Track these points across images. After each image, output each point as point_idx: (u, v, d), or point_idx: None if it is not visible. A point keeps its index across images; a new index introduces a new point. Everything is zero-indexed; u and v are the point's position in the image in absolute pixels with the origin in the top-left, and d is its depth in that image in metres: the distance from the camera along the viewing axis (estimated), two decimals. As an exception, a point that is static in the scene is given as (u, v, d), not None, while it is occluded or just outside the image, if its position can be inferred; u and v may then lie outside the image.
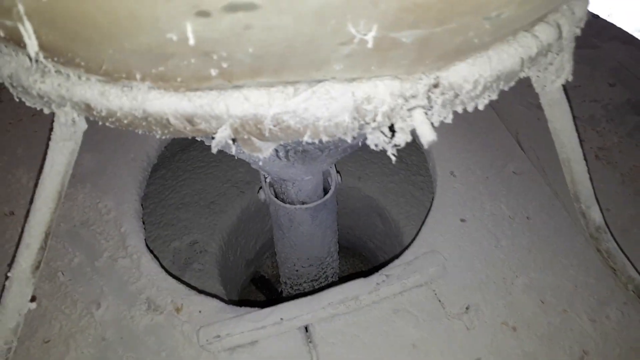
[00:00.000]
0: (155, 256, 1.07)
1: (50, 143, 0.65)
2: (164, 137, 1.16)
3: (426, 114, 0.51)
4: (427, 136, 0.48)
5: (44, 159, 0.73)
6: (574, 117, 1.26)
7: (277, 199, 1.18)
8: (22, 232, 0.81)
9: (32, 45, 0.40)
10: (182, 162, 1.75)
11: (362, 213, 1.88)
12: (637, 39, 1.49)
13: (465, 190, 1.15)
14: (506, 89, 0.56)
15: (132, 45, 0.39)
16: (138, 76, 0.45)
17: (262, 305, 0.96)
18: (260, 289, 2.10)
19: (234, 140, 0.53)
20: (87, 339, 0.91)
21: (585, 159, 0.85)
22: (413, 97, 0.49)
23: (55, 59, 0.46)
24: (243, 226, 1.80)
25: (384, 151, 0.53)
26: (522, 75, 0.56)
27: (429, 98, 0.50)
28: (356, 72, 0.46)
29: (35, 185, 0.76)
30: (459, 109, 0.55)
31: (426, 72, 0.48)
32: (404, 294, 0.96)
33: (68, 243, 1.06)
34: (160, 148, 1.33)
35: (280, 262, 1.50)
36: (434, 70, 0.49)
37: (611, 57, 1.46)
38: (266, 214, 1.82)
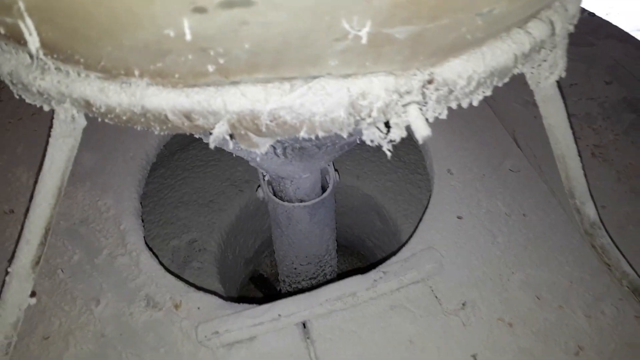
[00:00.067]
0: (154, 254, 1.07)
1: (50, 140, 0.66)
2: (162, 134, 1.16)
3: (421, 109, 0.51)
4: (422, 131, 0.49)
5: (43, 156, 0.74)
6: (570, 115, 1.27)
7: (276, 197, 1.18)
8: (22, 229, 0.82)
9: (33, 41, 0.40)
10: (181, 161, 1.76)
11: (361, 211, 1.89)
12: (633, 37, 1.50)
13: (462, 187, 1.15)
14: (500, 85, 0.57)
15: (131, 42, 0.39)
16: (136, 72, 0.46)
17: (260, 301, 0.97)
18: (259, 287, 2.11)
19: (231, 136, 0.54)
20: (87, 336, 0.92)
21: (580, 155, 0.86)
22: (408, 93, 0.50)
23: (55, 56, 0.46)
24: (242, 225, 1.80)
25: (381, 150, 0.54)
26: (516, 71, 0.57)
27: (423, 94, 0.51)
28: (351, 68, 0.47)
29: (35, 183, 0.76)
30: (454, 105, 0.55)
31: (420, 68, 0.49)
32: (401, 290, 0.97)
33: (68, 240, 1.07)
34: (159, 147, 1.33)
35: (279, 260, 1.50)
36: (428, 67, 0.50)
37: (607, 55, 1.47)
38: (265, 213, 1.83)
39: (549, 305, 0.95)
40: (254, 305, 0.95)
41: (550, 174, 1.12)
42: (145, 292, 0.98)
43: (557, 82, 0.76)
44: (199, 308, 0.96)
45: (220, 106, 0.47)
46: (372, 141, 0.55)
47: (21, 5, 0.37)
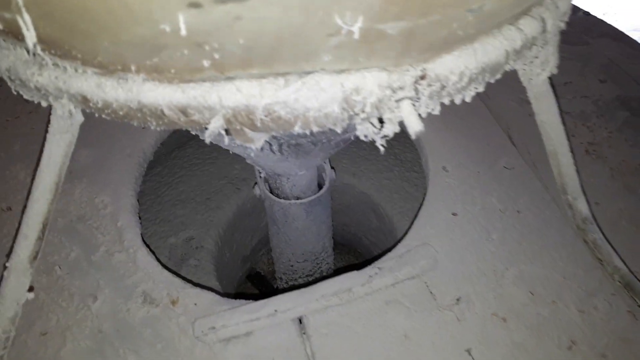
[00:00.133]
0: (151, 251, 1.08)
1: (48, 135, 0.66)
2: (159, 130, 1.16)
3: (413, 105, 0.52)
4: (415, 127, 0.50)
5: (41, 153, 0.74)
6: (565, 113, 1.28)
7: (272, 194, 1.19)
8: (19, 224, 0.82)
9: (30, 36, 0.41)
10: (178, 159, 1.76)
11: (357, 209, 1.90)
12: (627, 36, 1.52)
13: (457, 184, 1.16)
14: (492, 81, 0.58)
15: (127, 37, 0.40)
16: (133, 68, 0.46)
17: (257, 298, 0.97)
18: (256, 285, 2.11)
19: (227, 131, 0.54)
20: (84, 331, 0.93)
21: (572, 152, 0.87)
22: (400, 88, 0.50)
23: (53, 51, 0.47)
24: (239, 222, 1.81)
25: (378, 148, 0.55)
26: (508, 67, 0.58)
27: (416, 89, 0.51)
28: (345, 64, 0.47)
29: (33, 180, 0.77)
30: (446, 101, 0.56)
31: (413, 64, 0.50)
32: (396, 286, 0.97)
33: (65, 237, 1.07)
34: (157, 144, 1.34)
35: (276, 258, 1.51)
36: (421, 62, 0.50)
37: (602, 54, 1.48)
38: (262, 211, 1.84)
39: (542, 301, 0.96)
40: (251, 301, 0.96)
41: (545, 171, 1.13)
42: (142, 288, 0.99)
43: (550, 79, 0.77)
44: (195, 304, 0.96)
45: (216, 101, 0.48)
46: (365, 136, 0.56)
47: (19, 0, 0.37)
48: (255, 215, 1.90)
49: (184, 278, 1.02)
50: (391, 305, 0.95)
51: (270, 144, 0.80)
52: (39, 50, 0.46)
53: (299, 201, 1.17)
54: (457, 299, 0.96)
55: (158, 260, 1.05)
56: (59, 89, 0.52)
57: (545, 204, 1.12)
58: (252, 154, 0.82)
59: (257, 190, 1.25)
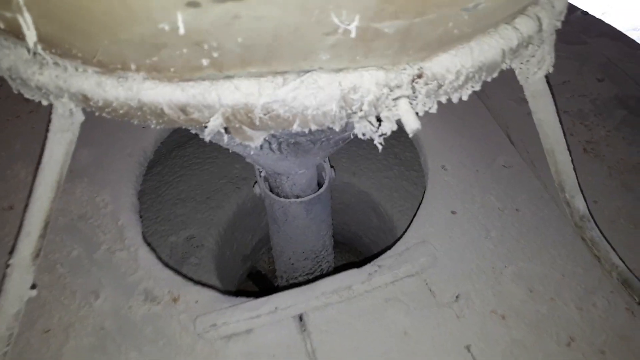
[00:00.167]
0: (152, 249, 1.09)
1: (49, 134, 0.67)
2: (159, 130, 1.17)
3: (411, 103, 0.53)
4: (412, 125, 0.50)
5: (42, 152, 0.75)
6: (563, 112, 1.29)
7: (272, 193, 1.20)
8: (21, 225, 0.83)
9: (31, 36, 0.42)
10: (179, 159, 1.77)
11: (357, 208, 1.90)
12: (625, 35, 1.52)
13: (456, 183, 1.17)
14: (489, 80, 0.58)
15: (127, 36, 0.41)
16: (133, 67, 0.47)
17: (258, 295, 0.98)
18: (256, 284, 2.12)
19: (226, 129, 0.55)
20: (86, 329, 0.93)
21: (569, 150, 0.87)
22: (398, 87, 0.51)
23: (53, 50, 0.47)
24: (239, 221, 1.82)
25: (377, 147, 0.56)
26: (504, 66, 0.58)
27: (413, 88, 0.52)
28: (342, 63, 0.48)
29: (34, 179, 0.78)
30: (443, 99, 0.57)
31: (410, 62, 0.51)
32: (396, 283, 0.98)
33: (66, 236, 1.08)
34: (157, 144, 1.35)
35: (276, 256, 1.52)
36: (418, 61, 0.51)
37: (600, 53, 1.48)
38: (262, 210, 1.84)
39: (541, 298, 0.97)
40: (251, 298, 0.97)
41: (543, 169, 1.13)
42: (143, 286, 1.00)
43: (547, 78, 0.77)
44: (197, 301, 0.97)
45: (215, 100, 0.48)
46: (363, 134, 0.57)
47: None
48: (255, 215, 1.91)
49: (185, 276, 1.03)
50: (391, 303, 0.96)
51: (270, 143, 0.81)
52: (39, 49, 0.47)
53: (299, 200, 1.18)
54: (456, 297, 0.96)
55: (159, 258, 1.06)
56: (59, 87, 0.52)
57: (544, 203, 1.12)
58: (252, 153, 0.82)
59: (257, 189, 1.26)
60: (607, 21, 1.62)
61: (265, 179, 1.21)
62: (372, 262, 1.01)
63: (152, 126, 0.54)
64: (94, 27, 0.39)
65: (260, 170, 1.19)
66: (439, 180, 1.18)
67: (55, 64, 0.50)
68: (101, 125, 1.31)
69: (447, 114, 1.33)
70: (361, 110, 0.51)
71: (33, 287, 0.84)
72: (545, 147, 0.87)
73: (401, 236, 1.07)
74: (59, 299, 0.98)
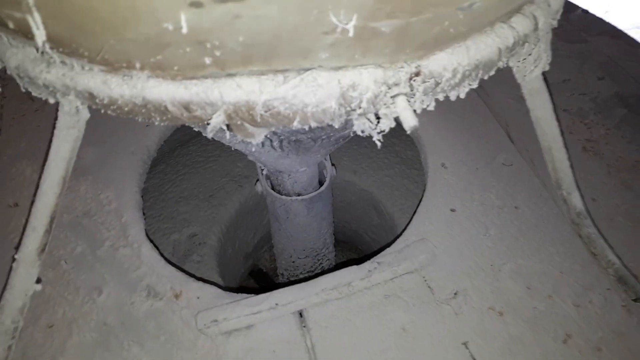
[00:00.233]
0: (155, 246, 1.10)
1: (55, 131, 0.68)
2: (162, 129, 1.19)
3: (409, 101, 0.54)
4: (410, 122, 0.51)
5: (48, 150, 0.76)
6: (563, 110, 1.30)
7: (274, 190, 1.21)
8: (26, 221, 0.84)
9: (40, 35, 0.43)
10: (182, 157, 1.78)
11: (358, 206, 1.91)
12: (625, 33, 1.53)
13: (456, 181, 1.18)
14: (486, 77, 0.59)
15: (132, 35, 0.42)
16: (138, 65, 0.48)
17: (258, 292, 0.99)
18: (258, 281, 2.13)
19: (228, 126, 0.56)
20: (89, 324, 0.95)
21: (566, 147, 0.88)
22: (396, 84, 0.52)
23: (61, 49, 0.49)
24: (241, 219, 1.83)
25: (379, 145, 0.57)
26: (501, 64, 0.59)
27: (411, 86, 0.53)
28: (341, 61, 0.49)
29: (39, 176, 0.79)
30: (441, 97, 0.58)
31: (407, 61, 0.52)
32: (395, 280, 0.99)
33: (70, 232, 1.10)
34: (160, 142, 1.36)
35: (278, 254, 1.53)
36: (415, 60, 0.52)
37: (600, 52, 1.49)
38: (264, 208, 1.86)
39: (539, 295, 0.97)
40: (252, 295, 0.98)
41: (543, 168, 1.14)
42: (146, 282, 1.01)
43: (545, 76, 0.78)
44: (198, 297, 0.98)
45: (217, 97, 0.50)
46: (362, 132, 0.58)
47: (30, 0, 0.39)
48: (257, 213, 1.92)
49: (187, 272, 1.04)
50: (390, 299, 0.97)
51: (271, 140, 0.82)
52: (47, 48, 0.48)
53: (300, 197, 1.19)
54: (455, 293, 0.97)
55: (162, 254, 1.07)
56: (66, 85, 0.54)
57: (543, 201, 1.13)
58: (254, 150, 0.83)
59: (259, 187, 1.27)
60: (609, 19, 1.62)
61: (267, 177, 1.22)
62: (371, 259, 1.02)
63: (156, 123, 0.55)
64: (100, 26, 0.40)
65: (262, 168, 1.21)
66: (439, 178, 1.19)
67: (63, 62, 0.52)
68: (105, 124, 1.33)
69: (448, 113, 1.34)
70: (360, 107, 0.52)
71: (38, 281, 0.86)
72: (542, 144, 0.88)
73: (401, 233, 1.08)
74: (63, 295, 0.99)
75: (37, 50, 0.53)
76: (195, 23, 0.38)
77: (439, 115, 1.33)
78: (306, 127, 0.55)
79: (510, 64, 0.66)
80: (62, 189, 0.73)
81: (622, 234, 1.06)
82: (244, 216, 1.84)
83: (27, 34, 0.45)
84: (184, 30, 0.38)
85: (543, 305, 0.96)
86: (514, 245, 1.05)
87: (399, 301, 0.96)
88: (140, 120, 0.56)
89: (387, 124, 0.54)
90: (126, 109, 0.53)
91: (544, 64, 0.64)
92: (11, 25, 0.44)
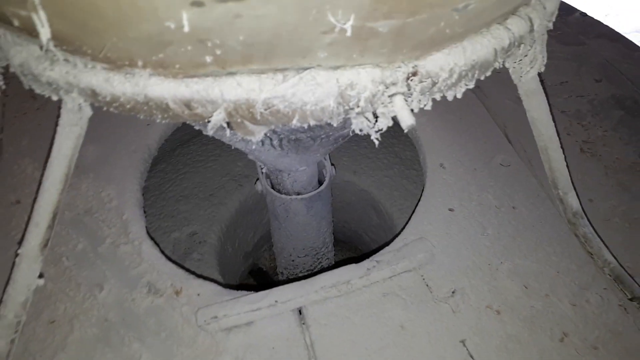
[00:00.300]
0: (155, 243, 1.11)
1: (58, 128, 0.69)
2: (164, 122, 1.20)
3: (406, 100, 0.55)
4: (407, 121, 0.52)
5: (49, 148, 0.77)
6: (561, 112, 1.30)
7: (274, 189, 1.22)
8: (28, 218, 0.85)
9: (44, 33, 0.44)
10: (182, 156, 1.80)
11: (358, 206, 1.92)
12: (623, 36, 1.54)
13: (454, 181, 1.19)
14: (482, 78, 0.60)
15: (135, 33, 0.43)
16: (140, 63, 0.49)
17: (258, 289, 1.00)
18: (258, 280, 2.14)
19: (228, 124, 0.57)
20: (91, 320, 0.96)
21: (562, 147, 0.89)
22: (393, 84, 0.53)
23: (64, 47, 0.50)
24: (241, 218, 1.84)
25: (378, 146, 0.58)
26: (497, 65, 0.60)
27: (408, 85, 0.54)
28: (340, 60, 0.50)
29: (41, 174, 0.80)
30: (438, 97, 0.59)
31: (405, 61, 0.53)
32: (394, 278, 1.00)
33: (72, 230, 1.11)
34: (161, 141, 1.37)
35: (277, 253, 1.54)
36: (412, 60, 0.53)
37: (598, 54, 1.50)
38: (264, 207, 1.87)
39: (536, 294, 0.98)
40: (252, 292, 0.99)
41: (540, 168, 1.15)
42: (147, 279, 1.02)
43: (541, 77, 0.79)
44: (198, 294, 0.99)
45: (218, 95, 0.51)
46: (360, 130, 0.59)
47: (35, -1, 0.40)
48: (257, 212, 1.93)
49: (187, 269, 1.05)
50: (388, 297, 0.98)
51: (271, 139, 0.83)
52: (51, 46, 0.49)
53: (300, 196, 1.20)
54: (453, 292, 0.98)
55: (162, 252, 1.08)
56: (69, 83, 0.55)
57: (540, 201, 1.14)
58: (254, 148, 0.84)
59: (259, 186, 1.28)
60: (609, 23, 1.63)
61: (267, 176, 1.23)
62: (370, 258, 1.03)
63: (158, 121, 0.56)
64: (104, 24, 0.41)
65: (262, 167, 1.21)
66: (438, 178, 1.20)
67: (66, 60, 0.53)
68: (107, 123, 1.34)
69: (446, 114, 1.35)
70: (358, 106, 0.53)
71: (40, 276, 0.87)
72: (539, 144, 0.89)
73: (399, 233, 1.09)
74: (65, 291, 1.00)
75: (41, 48, 0.54)
76: (197, 22, 0.39)
77: (437, 116, 1.34)
78: (305, 126, 0.56)
79: (507, 65, 0.67)
80: (65, 186, 0.74)
81: (619, 235, 1.07)
82: (244, 215, 1.85)
83: (31, 32, 0.46)
84: (186, 29, 0.39)
85: (540, 304, 0.97)
86: (512, 245, 1.06)
87: (398, 299, 0.97)
88: (142, 117, 0.57)
89: (384, 123, 0.55)
90: (128, 106, 0.54)
91: (540, 65, 0.65)
92: (16, 23, 0.45)
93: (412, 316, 0.95)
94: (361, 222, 1.97)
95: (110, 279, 1.02)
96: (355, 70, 0.51)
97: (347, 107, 0.53)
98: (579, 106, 1.36)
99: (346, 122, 0.66)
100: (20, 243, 0.84)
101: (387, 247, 1.06)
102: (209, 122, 0.54)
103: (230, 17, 0.38)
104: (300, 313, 0.97)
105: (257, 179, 1.27)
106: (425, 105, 0.59)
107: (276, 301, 0.95)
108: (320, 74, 0.50)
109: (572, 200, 0.96)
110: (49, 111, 1.39)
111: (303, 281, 0.99)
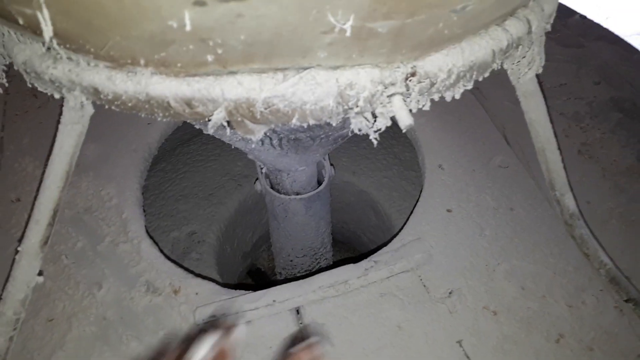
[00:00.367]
0: (154, 242, 1.11)
1: (60, 126, 0.70)
2: (165, 120, 1.21)
3: (405, 100, 0.55)
4: (405, 121, 0.53)
5: (50, 146, 0.77)
6: (559, 114, 1.31)
7: (273, 189, 1.22)
8: (29, 216, 0.86)
9: (48, 31, 0.45)
10: (182, 156, 1.80)
11: (357, 207, 1.93)
12: (622, 39, 1.54)
13: (453, 182, 1.20)
14: (480, 79, 0.61)
15: (137, 32, 0.44)
16: (142, 62, 0.50)
17: (256, 289, 1.00)
18: (256, 281, 2.15)
19: (228, 123, 0.58)
20: (89, 318, 0.96)
21: (560, 149, 0.90)
22: (392, 84, 0.54)
23: (67, 45, 0.50)
24: (240, 218, 1.84)
25: (377, 146, 0.58)
26: (495, 66, 0.61)
27: (407, 86, 0.55)
28: (339, 60, 0.51)
29: (42, 173, 0.80)
30: (436, 97, 0.59)
31: (404, 61, 0.53)
32: (391, 279, 1.00)
33: (72, 228, 1.11)
34: (161, 140, 1.38)
35: (276, 253, 1.54)
36: (411, 60, 0.54)
37: (597, 56, 1.51)
38: (263, 207, 1.87)
39: (532, 295, 0.99)
40: (250, 291, 0.99)
41: (538, 170, 1.16)
42: (145, 277, 1.02)
43: (539, 79, 0.80)
44: (197, 293, 1.00)
45: (219, 94, 0.51)
46: (359, 130, 0.59)
47: (40, -3, 0.41)
48: (256, 212, 1.93)
49: (186, 269, 1.06)
50: (386, 298, 0.98)
51: (271, 139, 0.83)
52: (54, 44, 0.50)
53: (299, 196, 1.20)
54: (450, 292, 0.99)
55: (161, 251, 1.09)
56: (72, 81, 0.55)
57: (538, 202, 1.15)
58: (253, 147, 0.85)
59: (258, 186, 1.29)
60: (610, 26, 1.64)
61: (267, 176, 1.24)
62: (368, 258, 1.03)
63: (159, 119, 0.57)
64: (107, 23, 0.42)
65: (262, 166, 1.22)
66: (436, 179, 1.20)
67: (69, 58, 0.53)
68: (108, 121, 1.34)
69: (445, 115, 1.36)
70: (357, 106, 0.54)
71: (40, 274, 0.87)
72: (536, 145, 0.90)
73: (397, 233, 1.10)
74: (64, 289, 1.00)
75: (44, 46, 0.55)
76: (199, 21, 0.39)
77: (436, 117, 1.34)
78: (305, 125, 0.56)
79: (505, 66, 0.68)
80: (66, 183, 0.74)
81: (616, 237, 1.08)
82: (243, 215, 1.86)
83: (35, 30, 0.47)
84: (188, 28, 0.40)
85: (536, 305, 0.97)
86: (509, 246, 1.07)
87: (395, 299, 0.98)
88: (143, 115, 0.58)
89: (383, 123, 0.56)
90: (130, 104, 0.55)
91: (538, 66, 0.66)
92: (21, 21, 0.46)
93: (410, 316, 0.95)
94: (360, 222, 1.98)
95: (109, 277, 1.02)
96: (355, 70, 0.52)
97: (346, 107, 0.54)
98: (577, 108, 1.37)
99: (345, 122, 0.66)
100: (20, 241, 0.84)
101: (384, 248, 1.07)
102: (209, 120, 0.54)
103: (231, 16, 0.39)
104: (298, 313, 0.97)
105: (257, 179, 1.28)
106: (423, 106, 0.60)
107: (274, 300, 0.96)
108: (320, 74, 0.51)
109: (569, 202, 0.97)
110: (50, 109, 1.39)
111: (301, 281, 1.00)
